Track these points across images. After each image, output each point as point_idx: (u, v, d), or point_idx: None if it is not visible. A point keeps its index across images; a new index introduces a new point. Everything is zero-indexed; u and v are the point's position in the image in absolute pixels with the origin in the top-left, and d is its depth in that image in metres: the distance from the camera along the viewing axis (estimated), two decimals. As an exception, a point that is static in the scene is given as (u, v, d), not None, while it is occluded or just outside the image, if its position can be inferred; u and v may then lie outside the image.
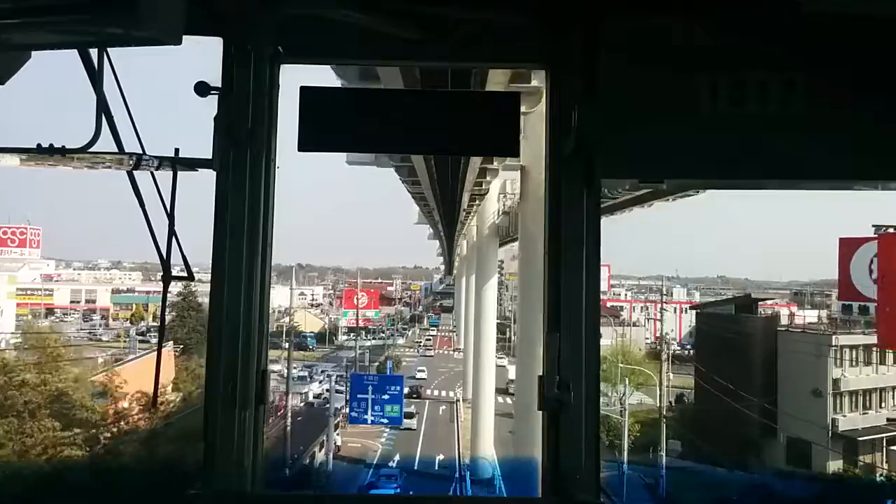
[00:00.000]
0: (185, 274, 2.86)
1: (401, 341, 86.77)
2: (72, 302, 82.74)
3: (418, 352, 70.29)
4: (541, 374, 2.71)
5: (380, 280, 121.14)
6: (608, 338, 74.01)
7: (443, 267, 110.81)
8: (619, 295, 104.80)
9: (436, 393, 58.12)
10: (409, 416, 46.38)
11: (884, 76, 2.63)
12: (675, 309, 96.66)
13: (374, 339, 76.91)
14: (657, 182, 2.99)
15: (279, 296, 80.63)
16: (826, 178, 2.83)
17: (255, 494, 2.83)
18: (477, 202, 36.96)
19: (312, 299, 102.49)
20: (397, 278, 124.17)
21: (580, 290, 2.71)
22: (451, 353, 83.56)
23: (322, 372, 54.19)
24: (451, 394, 54.63)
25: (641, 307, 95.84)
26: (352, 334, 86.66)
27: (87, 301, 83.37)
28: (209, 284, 2.76)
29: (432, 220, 48.26)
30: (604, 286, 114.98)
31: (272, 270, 2.86)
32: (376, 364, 59.62)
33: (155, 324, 54.02)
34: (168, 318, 56.76)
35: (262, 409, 2.78)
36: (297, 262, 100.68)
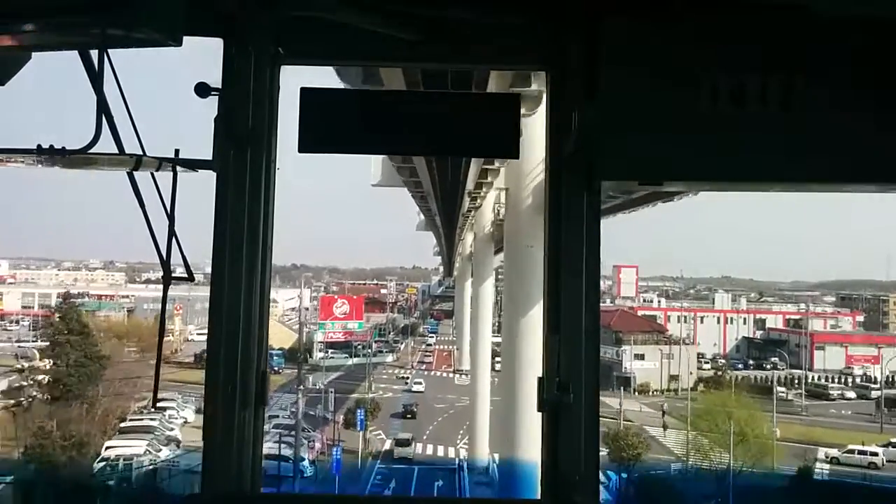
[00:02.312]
0: (185, 275, 3.02)
1: (390, 359, 75.81)
2: (24, 307, 80.00)
3: (410, 378, 64.14)
4: (540, 376, 2.90)
5: (375, 281, 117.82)
6: (653, 360, 64.42)
7: (441, 268, 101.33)
8: (651, 301, 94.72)
9: (429, 450, 46.42)
10: (404, 443, 42.83)
11: (884, 78, 2.78)
12: (717, 318, 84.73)
13: (354, 357, 69.60)
14: (657, 184, 3.14)
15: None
16: (826, 179, 2.96)
17: (254, 495, 3.01)
18: (489, 179, 32.67)
19: (299, 303, 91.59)
20: (392, 280, 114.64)
21: (580, 292, 2.89)
22: (452, 375, 71.29)
23: (270, 419, 43.03)
24: (453, 452, 43.26)
25: (679, 316, 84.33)
26: (329, 351, 76.04)
27: (42, 306, 78.97)
28: (209, 285, 2.94)
29: (425, 206, 45.40)
30: (631, 291, 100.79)
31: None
32: (344, 408, 48.65)
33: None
34: (40, 343, 48.14)
35: (261, 409, 2.99)
36: (291, 262, 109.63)
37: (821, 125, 2.81)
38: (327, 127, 2.92)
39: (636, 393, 63.07)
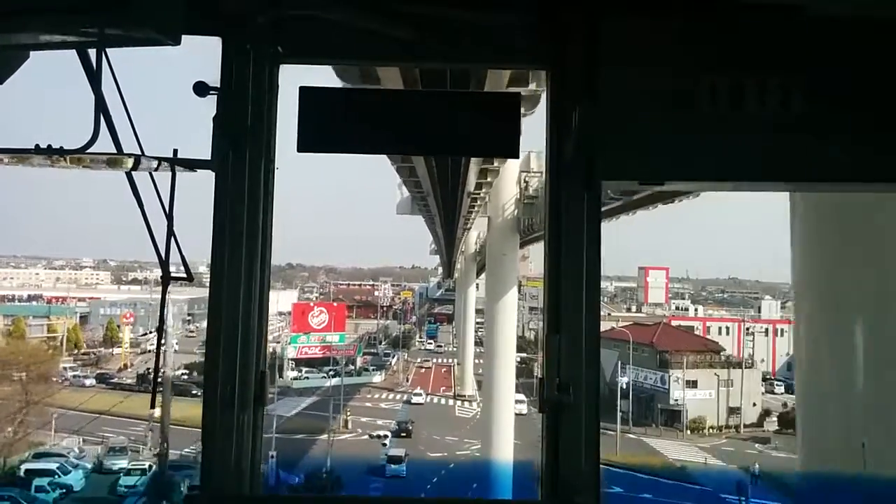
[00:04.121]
0: (184, 274, 3.14)
1: (378, 378, 61.78)
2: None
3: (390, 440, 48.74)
4: (541, 376, 3.09)
5: (372, 282, 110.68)
6: (708, 386, 50.77)
7: (440, 268, 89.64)
8: (687, 310, 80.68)
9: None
10: (396, 460, 39.19)
11: (884, 78, 2.91)
12: (766, 330, 74.52)
13: (334, 377, 57.03)
14: (657, 183, 3.23)
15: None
16: (826, 179, 3.06)
17: (253, 496, 3.10)
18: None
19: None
20: (387, 281, 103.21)
21: (580, 291, 2.96)
22: (452, 402, 61.99)
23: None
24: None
25: (721, 328, 74.33)
26: (304, 370, 62.68)
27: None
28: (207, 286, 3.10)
29: (413, 182, 35.34)
30: (661, 296, 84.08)
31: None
32: (309, 454, 40.96)
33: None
34: None
35: (260, 410, 3.09)
36: (287, 261, 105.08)
37: (820, 125, 2.93)
38: (326, 127, 3.01)
39: (689, 431, 48.53)
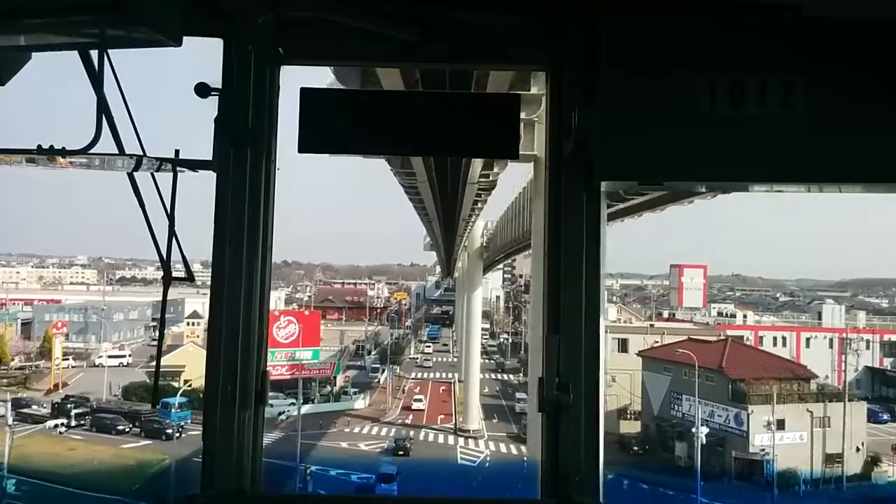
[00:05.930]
0: (184, 275, 3.32)
1: (360, 404, 56.53)
2: None
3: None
4: (540, 375, 3.30)
5: (367, 281, 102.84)
6: (798, 426, 38.21)
7: (439, 268, 79.49)
8: (735, 317, 68.78)
9: None
10: (387, 479, 36.39)
11: (884, 77, 3.05)
12: (829, 340, 60.17)
13: (305, 402, 46.52)
14: (657, 184, 3.41)
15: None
16: (826, 179, 3.18)
17: (254, 495, 3.21)
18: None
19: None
20: (381, 280, 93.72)
21: (580, 291, 3.08)
22: (452, 440, 49.72)
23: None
24: None
25: (777, 337, 62.43)
26: (270, 394, 45.90)
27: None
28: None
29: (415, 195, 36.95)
30: (698, 299, 67.63)
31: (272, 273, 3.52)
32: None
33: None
34: None
35: (261, 409, 3.22)
36: (283, 258, 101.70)
37: (820, 125, 3.03)
38: (327, 127, 3.12)
39: (776, 489, 35.47)
